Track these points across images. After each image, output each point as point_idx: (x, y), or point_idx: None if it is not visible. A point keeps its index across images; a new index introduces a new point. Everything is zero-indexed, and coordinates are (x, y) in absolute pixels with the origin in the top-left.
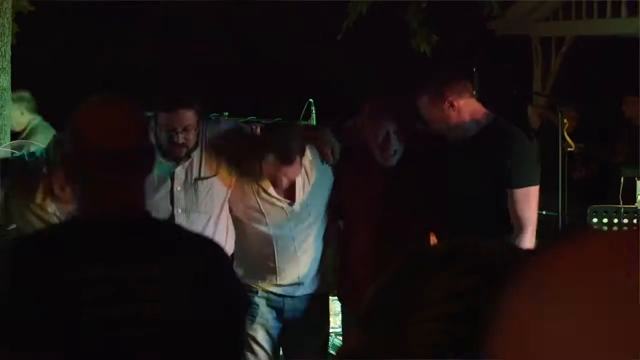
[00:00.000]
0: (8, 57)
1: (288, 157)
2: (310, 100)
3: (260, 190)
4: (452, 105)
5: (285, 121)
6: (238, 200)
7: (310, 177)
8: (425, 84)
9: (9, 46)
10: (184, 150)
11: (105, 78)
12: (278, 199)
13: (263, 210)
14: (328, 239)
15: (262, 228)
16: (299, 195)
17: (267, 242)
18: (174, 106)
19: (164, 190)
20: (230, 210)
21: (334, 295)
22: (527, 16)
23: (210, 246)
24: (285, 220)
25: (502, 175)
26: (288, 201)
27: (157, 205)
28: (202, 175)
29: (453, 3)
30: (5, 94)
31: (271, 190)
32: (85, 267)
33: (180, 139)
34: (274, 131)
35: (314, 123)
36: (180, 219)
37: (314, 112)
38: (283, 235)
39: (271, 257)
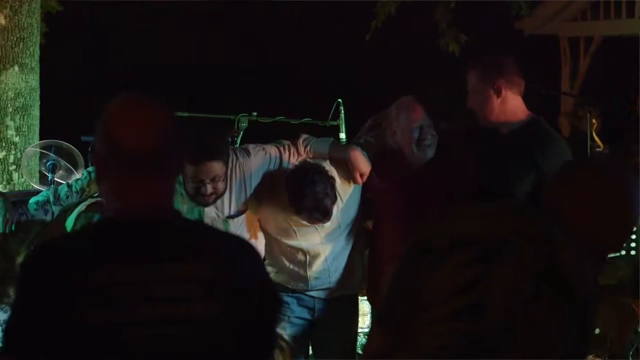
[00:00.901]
0: (37, 56)
1: (320, 219)
2: (339, 99)
3: (292, 214)
4: (498, 91)
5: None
6: (269, 220)
7: (342, 197)
8: (481, 61)
9: (38, 46)
10: (212, 198)
11: (131, 78)
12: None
13: (295, 229)
14: (357, 240)
15: (293, 242)
16: (333, 213)
17: (298, 253)
18: (201, 159)
19: None
20: (261, 224)
21: (363, 296)
22: (555, 16)
23: (242, 246)
24: (316, 235)
25: (536, 177)
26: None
27: None
28: (233, 212)
29: (482, 3)
30: (34, 94)
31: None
32: (117, 268)
33: (209, 189)
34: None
35: (343, 122)
36: None
37: (342, 111)
38: (314, 247)
39: (302, 266)
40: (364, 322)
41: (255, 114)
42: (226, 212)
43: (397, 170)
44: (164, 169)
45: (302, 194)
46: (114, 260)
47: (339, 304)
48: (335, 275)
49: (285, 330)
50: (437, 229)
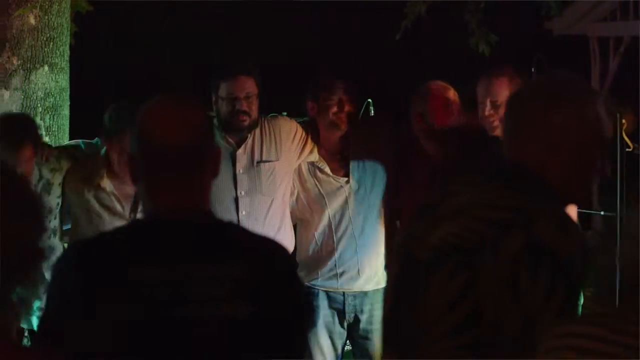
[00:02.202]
0: (67, 56)
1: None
2: (369, 100)
3: (317, 171)
4: None
5: None
6: (299, 189)
7: (360, 152)
8: (503, 68)
9: (68, 46)
10: (247, 119)
11: (162, 77)
12: (335, 178)
13: (322, 191)
14: (388, 237)
15: (323, 214)
16: (353, 172)
17: (327, 227)
18: (235, 73)
19: (227, 173)
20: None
21: None
22: (585, 16)
23: (275, 247)
24: (344, 201)
25: None
26: (345, 179)
27: (220, 188)
28: (264, 158)
29: (511, 3)
30: (64, 94)
31: (327, 169)
32: (149, 268)
33: (244, 105)
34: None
35: None
36: (243, 201)
37: (372, 112)
38: (342, 218)
39: (331, 241)
40: None
41: (284, 113)
42: (257, 158)
43: (424, 169)
44: (199, 168)
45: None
46: (148, 259)
47: (370, 303)
48: (363, 262)
49: (318, 335)
50: (417, 238)
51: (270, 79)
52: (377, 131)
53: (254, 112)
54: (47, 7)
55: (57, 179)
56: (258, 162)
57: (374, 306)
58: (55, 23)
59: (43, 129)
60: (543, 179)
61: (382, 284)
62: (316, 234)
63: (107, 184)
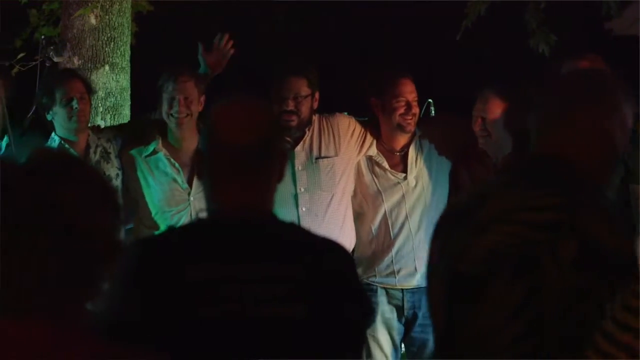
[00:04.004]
0: (127, 56)
1: (400, 71)
2: (430, 100)
3: (375, 166)
4: None
5: None
6: (356, 184)
7: (423, 151)
8: (575, 62)
9: (128, 46)
10: (294, 120)
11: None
12: (392, 173)
13: (379, 188)
14: None
15: (379, 209)
16: (412, 167)
17: (384, 223)
18: (285, 74)
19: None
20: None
21: None
22: None
23: (334, 247)
24: (400, 197)
25: (623, 172)
26: (403, 174)
27: (280, 186)
28: (323, 154)
29: (571, 3)
30: (125, 94)
31: (385, 164)
32: (208, 267)
33: (290, 106)
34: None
35: None
36: (303, 198)
37: (433, 112)
38: (399, 214)
39: (387, 237)
40: None
41: (346, 113)
42: (315, 154)
43: (484, 168)
44: (264, 170)
45: None
46: (208, 259)
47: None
48: (420, 252)
49: (377, 332)
50: (459, 252)
51: (328, 79)
52: (438, 129)
53: (304, 113)
54: (107, 7)
55: (114, 150)
56: (317, 159)
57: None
58: (116, 23)
59: None
60: (577, 171)
61: None
62: (373, 229)
63: (162, 149)
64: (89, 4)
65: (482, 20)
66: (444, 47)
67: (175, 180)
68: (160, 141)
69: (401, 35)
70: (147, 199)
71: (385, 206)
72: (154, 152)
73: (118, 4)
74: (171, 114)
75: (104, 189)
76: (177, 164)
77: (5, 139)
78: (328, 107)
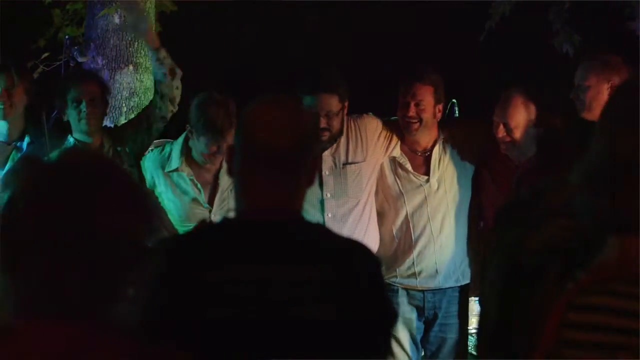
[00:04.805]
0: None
1: (419, 73)
2: (454, 100)
3: (398, 167)
4: (612, 89)
5: None
6: (379, 184)
7: (446, 153)
8: (593, 61)
9: None
10: (327, 134)
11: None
12: (415, 175)
13: (401, 189)
14: (469, 236)
15: (401, 211)
16: (435, 169)
17: (405, 224)
18: (316, 90)
19: None
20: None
21: (474, 296)
22: None
23: (360, 249)
24: (422, 200)
25: None
26: (425, 177)
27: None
28: (350, 160)
29: (595, 3)
30: (149, 93)
31: (408, 165)
32: (236, 268)
33: (323, 123)
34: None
35: None
36: (329, 204)
37: (457, 112)
38: (421, 216)
39: (409, 239)
40: (477, 322)
41: (370, 113)
42: (343, 160)
43: (509, 170)
44: (296, 172)
45: None
46: (235, 259)
47: (451, 306)
48: (441, 256)
49: (398, 333)
50: (515, 242)
51: (352, 79)
52: (462, 132)
53: (335, 127)
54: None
55: (127, 155)
56: (344, 164)
57: (451, 302)
58: None
59: None
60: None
61: (462, 281)
62: (394, 231)
63: (185, 169)
64: (113, 4)
65: (506, 21)
66: (468, 47)
67: (196, 199)
68: (184, 159)
69: (425, 35)
70: (167, 209)
71: (407, 208)
72: (177, 169)
73: (142, 4)
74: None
75: (135, 192)
76: (199, 185)
77: (27, 138)
78: (356, 107)
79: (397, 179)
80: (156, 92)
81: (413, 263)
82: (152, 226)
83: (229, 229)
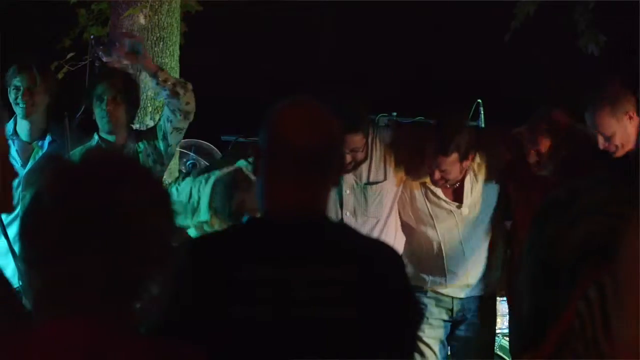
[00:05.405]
0: (176, 56)
1: (444, 148)
2: (479, 100)
3: (429, 192)
4: (630, 117)
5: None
6: (407, 204)
7: (478, 179)
8: (601, 105)
9: (178, 46)
10: (351, 166)
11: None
12: (446, 202)
13: (432, 214)
14: (497, 240)
15: (431, 232)
16: (467, 197)
17: (436, 245)
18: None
19: (333, 193)
20: (399, 215)
21: (500, 296)
22: None
23: (385, 250)
24: (454, 224)
25: None
26: (456, 204)
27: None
28: (372, 180)
29: (619, 3)
30: None
31: (440, 192)
32: (259, 267)
33: (348, 159)
34: (435, 126)
35: (483, 124)
36: (349, 222)
37: (482, 112)
38: (452, 239)
39: (440, 260)
40: (503, 323)
41: (394, 114)
42: (364, 180)
43: (536, 177)
44: (322, 173)
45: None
46: (261, 260)
47: (478, 305)
48: (473, 271)
49: (424, 333)
50: (552, 239)
51: (378, 79)
52: (493, 155)
53: (359, 158)
54: (157, 7)
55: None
56: (365, 184)
57: (479, 304)
58: (165, 23)
59: None
60: None
61: (492, 290)
62: (424, 248)
63: (215, 222)
64: (138, 4)
65: (530, 21)
66: (493, 47)
67: None
68: (213, 213)
69: (450, 36)
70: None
71: (438, 230)
72: (206, 222)
73: (167, 3)
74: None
75: (158, 192)
76: None
77: (48, 137)
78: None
79: (427, 202)
80: (166, 105)
81: (445, 279)
82: (174, 225)
83: (256, 229)
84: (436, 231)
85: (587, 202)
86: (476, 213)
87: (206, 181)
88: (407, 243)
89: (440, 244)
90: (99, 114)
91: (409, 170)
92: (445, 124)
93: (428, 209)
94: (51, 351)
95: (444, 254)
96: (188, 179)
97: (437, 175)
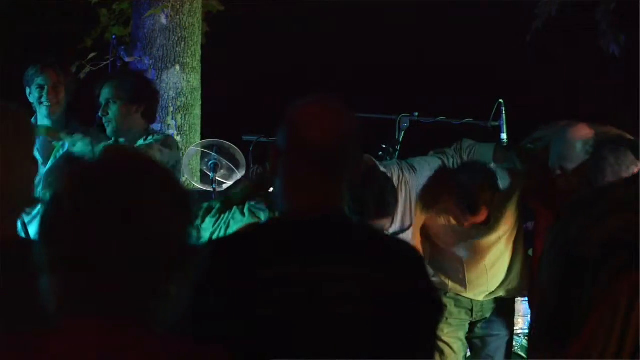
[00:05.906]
0: (198, 56)
1: (475, 208)
2: (501, 100)
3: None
4: None
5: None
6: (430, 225)
7: (502, 204)
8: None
9: (199, 46)
10: None
11: (292, 78)
12: (469, 227)
13: (454, 233)
14: (517, 244)
15: (452, 248)
16: (490, 224)
17: (457, 259)
18: (371, 218)
19: None
20: (420, 232)
21: (522, 297)
22: None
23: (406, 249)
24: (476, 244)
25: None
26: (482, 230)
27: None
28: (399, 228)
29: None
30: (196, 93)
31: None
32: (283, 266)
33: None
34: (463, 179)
35: (504, 123)
36: None
37: (504, 112)
38: (473, 254)
39: (460, 273)
40: (523, 323)
41: (416, 114)
42: (391, 230)
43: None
44: (342, 172)
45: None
46: (283, 258)
47: (497, 305)
48: (493, 281)
49: (443, 332)
50: (579, 235)
51: (400, 79)
52: (515, 179)
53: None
54: (178, 7)
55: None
56: (394, 233)
57: (498, 304)
58: (186, 23)
59: (175, 128)
60: None
61: (512, 294)
62: (446, 262)
63: None
64: (160, 4)
65: (552, 21)
66: (514, 47)
67: None
68: None
69: (472, 35)
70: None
71: (460, 250)
72: None
73: (189, 3)
74: None
75: (177, 191)
76: None
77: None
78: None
79: (449, 225)
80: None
81: (465, 288)
82: (194, 225)
83: (277, 228)
84: (458, 248)
85: (613, 199)
86: (498, 229)
87: (226, 226)
88: (429, 254)
89: (461, 260)
90: (103, 119)
91: (434, 212)
92: (471, 195)
93: (450, 231)
94: (70, 352)
95: (464, 268)
96: (209, 220)
97: (465, 223)
